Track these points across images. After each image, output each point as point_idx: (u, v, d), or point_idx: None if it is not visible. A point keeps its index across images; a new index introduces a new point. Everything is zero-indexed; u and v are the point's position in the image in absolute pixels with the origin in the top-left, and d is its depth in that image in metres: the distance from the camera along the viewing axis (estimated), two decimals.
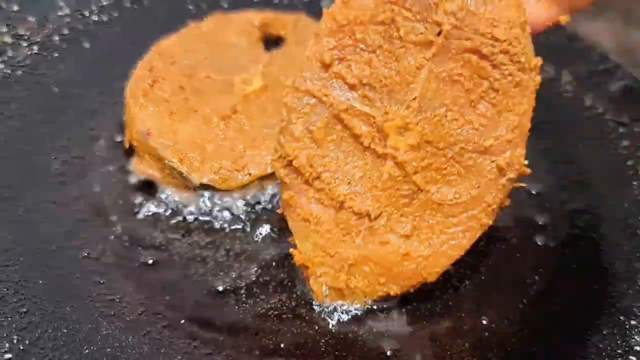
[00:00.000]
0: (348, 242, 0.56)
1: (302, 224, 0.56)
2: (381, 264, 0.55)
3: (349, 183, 0.55)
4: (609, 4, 1.26)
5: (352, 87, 0.55)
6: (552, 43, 0.88)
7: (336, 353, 0.56)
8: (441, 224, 0.55)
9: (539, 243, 0.68)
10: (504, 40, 0.51)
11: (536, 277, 0.65)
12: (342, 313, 0.59)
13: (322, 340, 0.57)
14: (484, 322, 0.60)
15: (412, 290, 0.57)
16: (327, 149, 0.55)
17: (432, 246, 0.55)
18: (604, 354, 0.58)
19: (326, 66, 0.55)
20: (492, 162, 0.54)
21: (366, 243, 0.55)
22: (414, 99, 0.53)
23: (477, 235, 0.55)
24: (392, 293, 0.56)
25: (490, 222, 0.55)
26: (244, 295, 0.60)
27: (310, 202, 0.56)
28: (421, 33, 0.52)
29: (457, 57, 0.52)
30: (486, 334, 0.60)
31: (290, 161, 0.56)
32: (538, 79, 0.53)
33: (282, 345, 0.57)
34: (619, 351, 0.58)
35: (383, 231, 0.55)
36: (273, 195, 0.68)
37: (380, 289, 0.56)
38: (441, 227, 0.55)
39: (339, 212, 0.55)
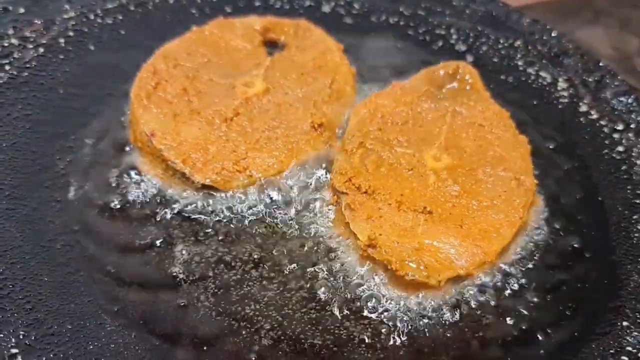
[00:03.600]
0: (410, 232, 0.63)
1: (365, 222, 0.64)
2: (443, 248, 0.62)
3: (401, 194, 0.66)
4: (607, 12, 1.27)
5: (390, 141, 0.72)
6: (548, 51, 0.90)
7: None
8: (486, 218, 0.65)
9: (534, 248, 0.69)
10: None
11: (530, 278, 0.66)
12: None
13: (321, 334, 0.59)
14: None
15: (477, 272, 0.63)
16: (379, 174, 0.67)
17: (483, 232, 0.64)
18: (596, 353, 0.59)
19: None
20: (510, 177, 0.69)
21: (427, 232, 0.63)
22: (440, 142, 0.72)
23: (517, 226, 0.65)
24: (462, 273, 0.61)
25: (524, 218, 0.66)
26: (246, 291, 0.62)
27: (372, 204, 0.65)
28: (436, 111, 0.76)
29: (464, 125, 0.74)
30: (480, 333, 0.61)
31: (350, 178, 0.66)
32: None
33: (281, 338, 0.58)
34: (611, 351, 0.59)
35: (439, 221, 0.64)
36: (272, 198, 0.70)
37: (449, 269, 0.61)
38: (487, 221, 0.65)
39: (399, 210, 0.65)
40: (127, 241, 0.64)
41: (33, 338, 0.54)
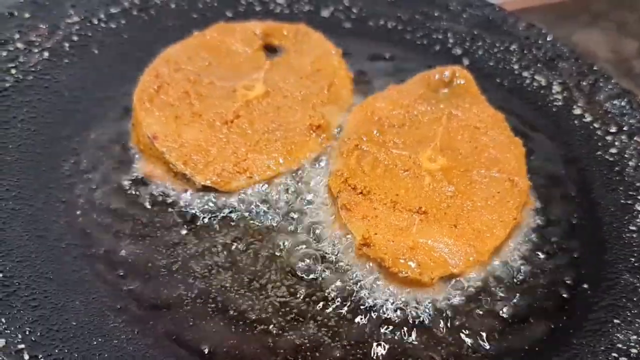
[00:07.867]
0: (404, 231, 0.64)
1: (361, 222, 0.65)
2: (436, 247, 0.63)
3: (396, 195, 0.67)
4: (605, 15, 1.29)
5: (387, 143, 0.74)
6: (544, 54, 0.91)
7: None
8: (480, 218, 0.66)
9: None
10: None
11: (522, 277, 0.67)
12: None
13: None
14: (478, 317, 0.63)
15: (470, 271, 0.64)
16: (375, 175, 0.69)
17: (477, 232, 0.65)
18: (586, 350, 0.60)
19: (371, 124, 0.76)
20: (504, 178, 0.70)
21: (421, 231, 0.64)
22: (435, 144, 0.73)
23: (510, 226, 0.66)
24: (455, 272, 0.63)
25: (518, 218, 0.67)
26: (246, 290, 0.63)
27: (368, 205, 0.66)
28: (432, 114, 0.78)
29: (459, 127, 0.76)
30: (471, 330, 0.62)
31: (346, 179, 0.67)
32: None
33: (282, 341, 0.60)
34: (602, 348, 0.61)
35: (433, 221, 0.65)
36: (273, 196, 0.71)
37: (442, 267, 0.62)
38: (481, 221, 0.66)
39: (394, 210, 0.66)
40: (130, 241, 0.66)
41: (39, 334, 0.55)
